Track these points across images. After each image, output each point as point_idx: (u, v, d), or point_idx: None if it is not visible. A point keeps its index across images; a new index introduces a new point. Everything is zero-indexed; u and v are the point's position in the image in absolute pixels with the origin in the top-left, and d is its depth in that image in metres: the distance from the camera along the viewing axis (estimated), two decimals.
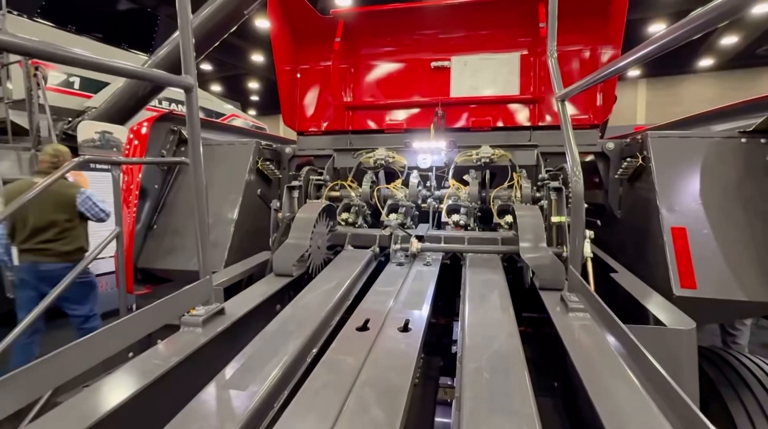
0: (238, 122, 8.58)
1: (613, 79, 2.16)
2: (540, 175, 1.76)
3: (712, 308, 1.51)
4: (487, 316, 1.10)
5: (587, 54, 2.10)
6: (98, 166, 4.01)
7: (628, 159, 1.86)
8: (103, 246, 1.89)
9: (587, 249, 1.57)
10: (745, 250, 1.52)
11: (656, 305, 1.27)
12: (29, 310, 1.66)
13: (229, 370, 0.88)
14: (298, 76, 2.45)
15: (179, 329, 1.09)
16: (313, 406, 0.73)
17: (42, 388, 0.79)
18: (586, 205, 1.36)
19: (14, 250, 2.50)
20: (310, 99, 2.47)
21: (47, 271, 2.41)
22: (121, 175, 2.18)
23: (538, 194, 1.79)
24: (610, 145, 2.06)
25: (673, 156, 1.73)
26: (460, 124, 2.22)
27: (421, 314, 1.11)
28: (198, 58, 2.79)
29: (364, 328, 1.04)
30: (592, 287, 1.50)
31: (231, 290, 1.46)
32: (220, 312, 1.18)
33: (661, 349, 1.09)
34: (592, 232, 1.63)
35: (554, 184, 1.54)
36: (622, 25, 1.93)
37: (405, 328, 1.02)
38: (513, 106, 2.19)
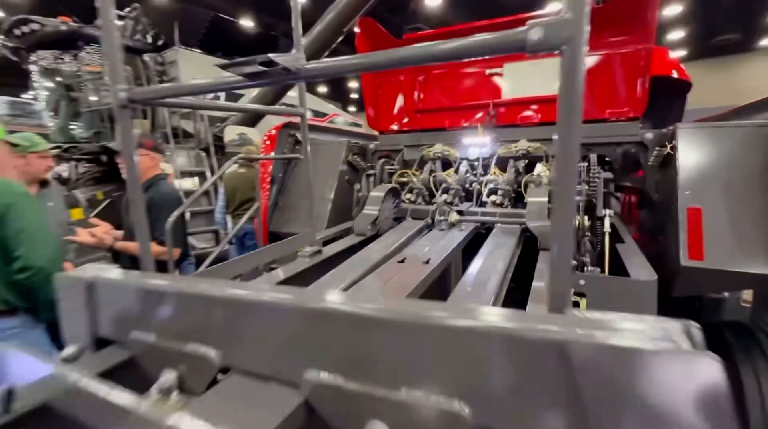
0: (339, 120, 9.84)
1: (647, 77, 2.33)
2: None
3: (717, 278, 1.72)
4: (486, 260, 1.62)
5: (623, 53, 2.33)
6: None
7: (658, 148, 2.08)
8: (250, 214, 2.83)
9: (606, 224, 1.93)
10: (757, 229, 1.68)
11: (633, 264, 1.60)
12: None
13: (324, 279, 1.57)
14: (379, 87, 3.11)
15: (296, 257, 1.84)
16: (367, 287, 1.38)
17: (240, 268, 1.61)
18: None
19: (228, 217, 4.30)
20: (388, 105, 3.12)
21: (244, 229, 3.81)
22: (260, 168, 3.13)
23: None
24: (649, 135, 2.25)
25: (699, 144, 1.91)
26: (508, 121, 2.63)
27: (441, 255, 1.67)
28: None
29: (402, 261, 1.65)
30: (606, 258, 1.86)
31: (326, 244, 2.20)
32: (319, 252, 1.91)
33: (625, 297, 1.44)
34: (611, 211, 1.97)
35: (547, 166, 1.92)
36: (654, 21, 2.13)
37: (427, 262, 1.60)
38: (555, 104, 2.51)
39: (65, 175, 6.61)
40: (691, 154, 1.90)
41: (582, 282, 1.39)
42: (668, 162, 2.04)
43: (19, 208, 1.73)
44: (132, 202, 1.08)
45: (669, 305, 2.13)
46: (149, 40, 7.45)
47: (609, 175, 2.22)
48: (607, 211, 1.93)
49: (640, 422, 0.45)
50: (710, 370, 0.43)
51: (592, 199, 2.00)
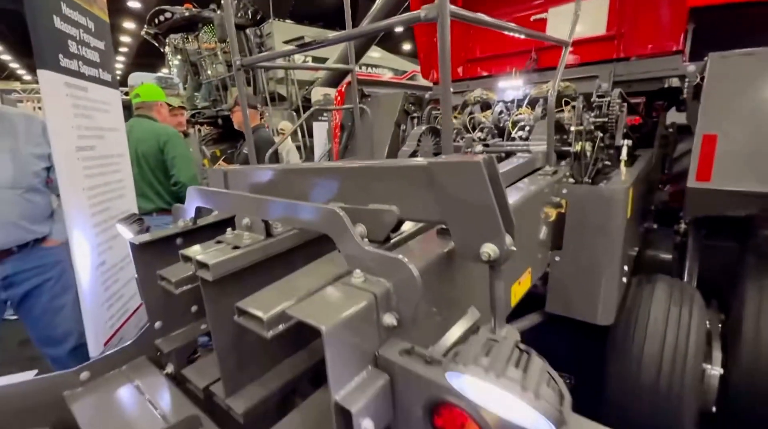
0: (418, 77, 10.12)
1: (685, 4, 2.28)
2: (592, 99, 2.30)
3: (722, 199, 1.83)
4: None
5: None
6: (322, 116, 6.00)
7: (688, 80, 2.13)
8: (323, 154, 3.50)
9: (623, 153, 2.14)
10: None
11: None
12: None
13: None
14: (432, 38, 3.44)
15: None
16: None
17: None
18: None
19: None
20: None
21: None
22: (332, 119, 3.76)
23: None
24: (691, 68, 2.26)
25: (726, 72, 1.94)
26: (548, 64, 2.78)
27: None
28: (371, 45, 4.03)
29: None
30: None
31: None
32: None
33: (597, 203, 1.67)
34: (630, 141, 2.16)
35: (573, 103, 2.13)
36: None
37: None
38: (596, 44, 2.61)
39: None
40: (717, 81, 1.94)
41: (564, 190, 1.71)
42: (698, 92, 2.09)
43: (175, 142, 2.63)
44: (246, 138, 1.73)
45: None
46: (249, 16, 8.53)
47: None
48: (625, 142, 2.11)
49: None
50: None
51: (612, 131, 2.18)
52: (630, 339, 1.71)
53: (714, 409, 1.77)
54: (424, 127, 2.59)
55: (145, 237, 1.32)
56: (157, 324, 1.41)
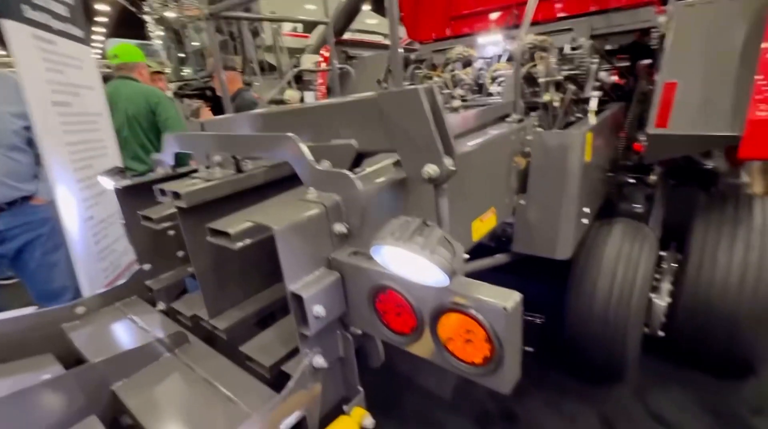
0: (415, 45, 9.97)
1: None
2: (566, 52, 2.35)
3: (678, 142, 1.93)
4: None
5: None
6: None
7: (657, 30, 2.18)
8: None
9: (593, 104, 2.20)
10: (724, 98, 1.82)
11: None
12: None
13: None
14: None
15: None
16: None
17: None
18: None
19: None
20: (424, 15, 3.43)
21: None
22: (317, 83, 3.78)
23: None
24: (661, 18, 2.30)
25: (688, 21, 1.98)
26: (532, 19, 2.79)
27: None
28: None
29: None
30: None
31: None
32: None
33: (558, 148, 1.76)
34: (600, 93, 2.23)
35: (541, 53, 2.18)
36: None
37: None
38: None
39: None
40: (679, 30, 1.99)
41: (529, 137, 1.80)
42: (664, 42, 2.15)
43: (166, 104, 2.67)
44: (224, 100, 1.79)
45: None
46: None
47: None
48: (594, 93, 2.18)
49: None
50: None
51: (582, 83, 2.25)
52: (587, 274, 1.85)
53: (662, 333, 1.94)
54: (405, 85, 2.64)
55: (128, 182, 1.41)
56: (146, 266, 1.52)
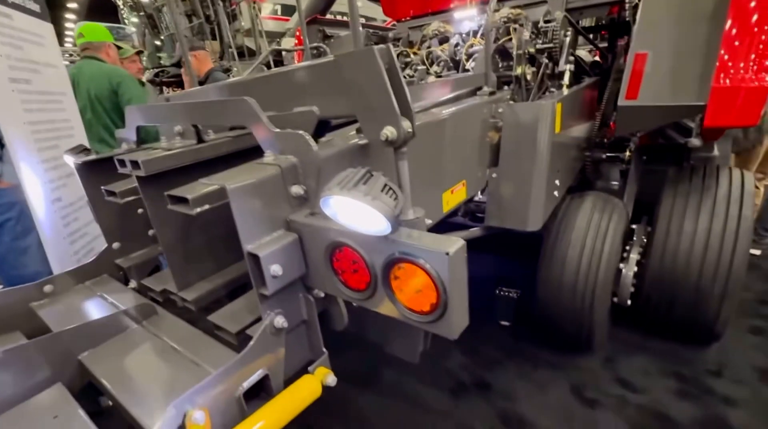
0: None
1: None
2: (540, 25, 2.35)
3: (648, 114, 1.96)
4: None
5: None
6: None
7: (628, 1, 2.20)
8: None
9: (566, 78, 2.22)
10: (692, 66, 1.85)
11: None
12: None
13: None
14: None
15: None
16: None
17: None
18: None
19: None
20: None
21: None
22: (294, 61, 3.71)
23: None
24: None
25: None
26: None
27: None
28: None
29: None
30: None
31: None
32: None
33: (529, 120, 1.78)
34: (572, 66, 2.24)
35: (514, 26, 2.18)
36: None
37: None
38: None
39: None
40: (651, 1, 2.01)
41: (500, 110, 1.81)
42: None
43: (129, 84, 2.59)
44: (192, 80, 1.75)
45: None
46: None
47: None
48: (568, 67, 2.20)
49: None
50: None
51: (556, 57, 2.26)
52: (557, 245, 1.89)
53: (629, 302, 2.00)
54: None
55: (90, 157, 1.38)
56: (115, 245, 1.51)
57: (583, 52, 3.29)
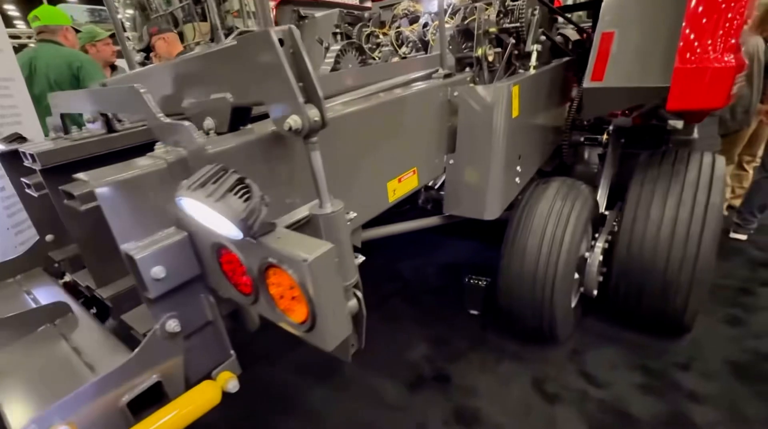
0: None
1: None
2: (507, 3, 2.22)
3: (614, 96, 1.87)
4: None
5: None
6: None
7: None
8: None
9: (533, 59, 2.10)
10: (658, 46, 1.75)
11: None
12: None
13: None
14: None
15: None
16: None
17: None
18: None
19: None
20: None
21: None
22: None
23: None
24: None
25: None
26: None
27: None
28: None
29: None
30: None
31: None
32: None
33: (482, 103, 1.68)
34: (540, 46, 2.13)
35: (475, 4, 2.06)
36: None
37: None
38: None
39: None
40: None
41: (456, 94, 1.71)
42: None
43: (90, 68, 2.49)
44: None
45: None
46: None
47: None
48: (535, 47, 2.08)
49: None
50: None
51: (523, 37, 2.14)
52: (518, 234, 1.82)
53: (595, 293, 1.95)
54: (343, 42, 2.50)
55: (11, 146, 1.31)
56: (49, 237, 1.44)
57: (571, 31, 3.14)
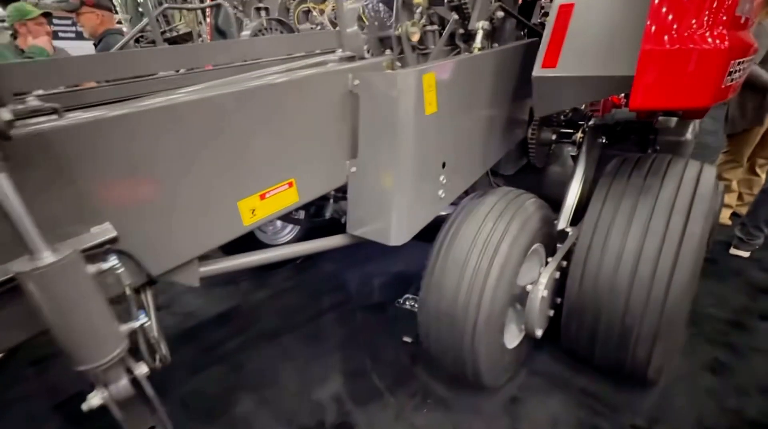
0: None
1: None
2: None
3: (569, 88, 1.45)
4: None
5: None
6: None
7: None
8: None
9: (478, 40, 1.68)
10: (624, 29, 1.32)
11: None
12: None
13: None
14: None
15: None
16: None
17: None
18: None
19: None
20: None
21: None
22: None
23: None
24: None
25: None
26: None
27: None
28: None
29: None
30: None
31: None
32: None
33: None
34: (486, 23, 1.70)
35: None
36: None
37: None
38: None
39: None
40: None
41: (356, 82, 1.32)
42: None
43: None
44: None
45: None
46: None
47: None
48: (481, 24, 1.66)
49: None
50: None
51: (467, 13, 1.71)
52: (437, 263, 1.45)
53: (539, 333, 1.57)
54: (260, 18, 2.13)
55: None
56: None
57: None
